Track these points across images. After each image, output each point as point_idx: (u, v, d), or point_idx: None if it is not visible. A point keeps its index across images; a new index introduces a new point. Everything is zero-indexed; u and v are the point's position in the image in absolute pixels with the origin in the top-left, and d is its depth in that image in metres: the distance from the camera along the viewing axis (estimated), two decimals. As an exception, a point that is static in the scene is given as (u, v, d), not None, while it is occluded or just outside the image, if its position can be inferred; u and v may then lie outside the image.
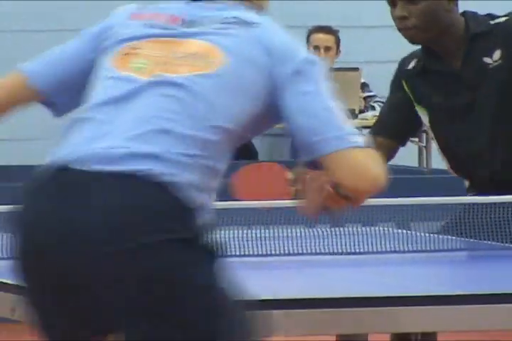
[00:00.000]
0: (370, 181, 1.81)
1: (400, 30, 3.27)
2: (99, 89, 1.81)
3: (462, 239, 3.06)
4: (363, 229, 3.04)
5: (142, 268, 1.63)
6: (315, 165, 1.84)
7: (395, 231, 3.01)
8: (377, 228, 3.06)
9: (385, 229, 3.05)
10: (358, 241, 2.85)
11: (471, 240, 3.05)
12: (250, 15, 1.88)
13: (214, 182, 1.75)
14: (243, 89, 1.79)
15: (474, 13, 3.36)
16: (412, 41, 3.32)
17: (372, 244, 2.88)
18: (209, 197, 1.73)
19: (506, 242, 2.97)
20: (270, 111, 1.81)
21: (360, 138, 1.81)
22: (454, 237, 3.03)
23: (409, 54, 3.42)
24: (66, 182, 1.69)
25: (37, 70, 1.93)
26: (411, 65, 3.31)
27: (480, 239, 3.03)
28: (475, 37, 3.29)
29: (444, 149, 3.42)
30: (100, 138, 1.72)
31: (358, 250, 2.81)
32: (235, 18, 1.86)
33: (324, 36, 8.79)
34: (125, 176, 1.66)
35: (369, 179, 1.80)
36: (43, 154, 1.91)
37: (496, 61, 3.29)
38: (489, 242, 3.02)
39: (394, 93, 3.46)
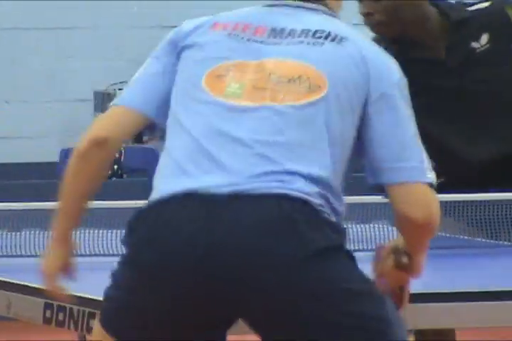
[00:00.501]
0: (434, 218, 1.80)
1: (366, 25, 3.33)
2: (198, 116, 1.76)
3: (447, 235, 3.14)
4: (358, 226, 3.09)
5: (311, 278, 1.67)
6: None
7: (390, 228, 3.07)
8: (371, 225, 3.11)
9: (381, 226, 3.11)
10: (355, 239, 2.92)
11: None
12: (337, 26, 1.81)
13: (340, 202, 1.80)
14: (348, 110, 1.75)
15: (447, 2, 3.44)
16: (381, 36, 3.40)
17: (368, 241, 2.99)
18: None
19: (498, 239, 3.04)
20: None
21: (433, 174, 1.81)
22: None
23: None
24: (207, 202, 1.69)
25: (141, 101, 1.87)
26: None
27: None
28: (456, 25, 3.35)
29: (425, 137, 3.47)
30: (224, 168, 1.71)
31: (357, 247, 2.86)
32: (323, 31, 1.79)
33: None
34: (259, 197, 1.68)
35: (434, 216, 1.79)
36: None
37: (483, 45, 3.33)
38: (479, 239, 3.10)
39: None
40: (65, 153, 8.30)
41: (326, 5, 1.83)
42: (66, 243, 1.84)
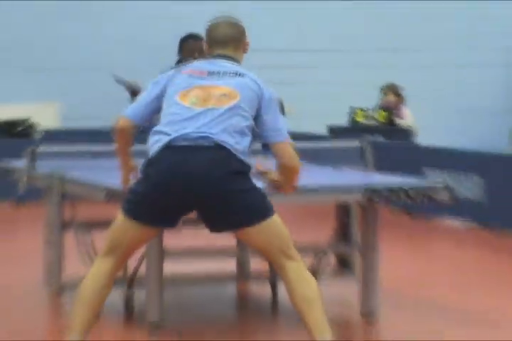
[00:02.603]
0: (298, 164, 3.76)
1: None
2: (175, 116, 3.69)
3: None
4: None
5: (234, 184, 3.66)
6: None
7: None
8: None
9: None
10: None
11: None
12: (239, 69, 3.75)
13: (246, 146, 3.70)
14: (251, 105, 3.68)
15: None
16: None
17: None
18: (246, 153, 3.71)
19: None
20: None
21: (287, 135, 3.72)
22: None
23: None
24: (180, 149, 3.65)
25: (137, 114, 3.86)
26: None
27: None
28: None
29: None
30: (183, 132, 3.65)
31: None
32: (235, 72, 3.73)
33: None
34: (205, 147, 3.64)
35: (298, 162, 3.76)
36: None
37: None
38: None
39: None
40: None
41: (233, 58, 3.81)
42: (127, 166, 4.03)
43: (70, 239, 5.44)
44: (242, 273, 6.01)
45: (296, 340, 4.55)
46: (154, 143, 3.72)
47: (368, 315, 5.01)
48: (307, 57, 11.80)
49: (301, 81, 11.52)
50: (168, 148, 3.67)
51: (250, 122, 3.72)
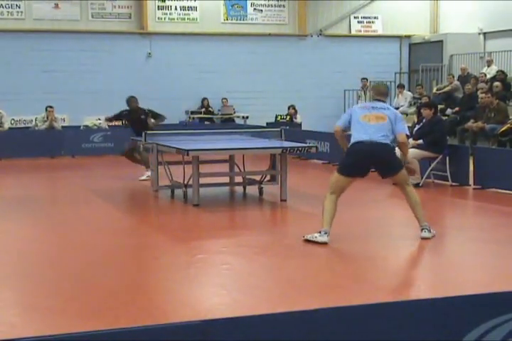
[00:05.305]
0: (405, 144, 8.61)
1: None
2: (360, 127, 8.17)
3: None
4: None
5: (388, 156, 8.29)
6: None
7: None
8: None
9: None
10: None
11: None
12: (386, 105, 8.38)
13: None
14: (390, 122, 8.20)
15: None
16: None
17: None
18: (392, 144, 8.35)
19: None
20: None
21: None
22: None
23: None
24: (367, 143, 8.12)
25: (343, 125, 8.42)
26: None
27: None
28: None
29: None
30: (368, 136, 8.11)
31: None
32: (384, 107, 8.28)
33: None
34: (380, 142, 8.13)
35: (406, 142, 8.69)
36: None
37: None
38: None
39: None
40: None
41: (383, 101, 8.51)
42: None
43: (161, 168, 12.02)
44: (243, 182, 11.99)
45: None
46: (355, 139, 8.06)
47: (283, 200, 10.94)
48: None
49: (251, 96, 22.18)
50: (362, 141, 8.01)
51: (390, 129, 8.11)
